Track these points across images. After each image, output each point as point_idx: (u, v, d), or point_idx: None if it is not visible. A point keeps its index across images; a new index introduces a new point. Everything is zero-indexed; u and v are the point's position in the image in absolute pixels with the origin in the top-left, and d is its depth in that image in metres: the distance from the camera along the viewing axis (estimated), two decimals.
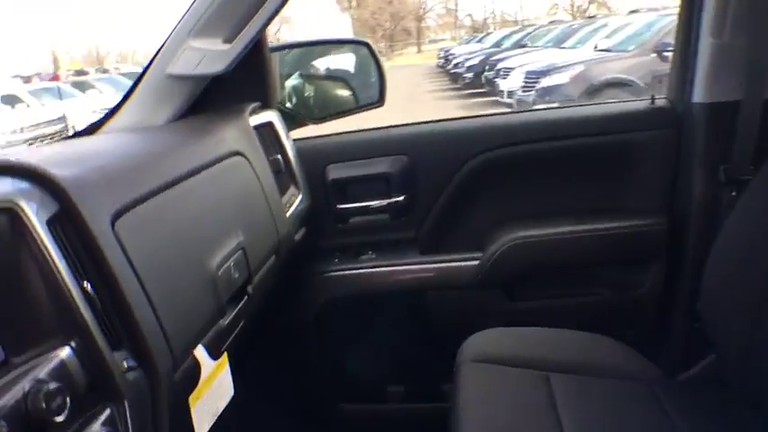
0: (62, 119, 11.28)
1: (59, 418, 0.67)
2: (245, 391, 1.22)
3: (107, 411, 0.77)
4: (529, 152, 1.74)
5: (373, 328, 1.91)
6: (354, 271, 1.81)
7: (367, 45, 1.85)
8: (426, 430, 1.67)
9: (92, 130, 1.45)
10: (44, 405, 0.65)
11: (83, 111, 11.63)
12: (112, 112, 1.46)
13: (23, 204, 0.73)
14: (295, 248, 1.55)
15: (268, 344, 1.79)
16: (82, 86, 16.80)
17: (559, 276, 1.82)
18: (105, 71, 26.76)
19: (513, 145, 1.74)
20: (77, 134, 1.46)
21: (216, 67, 1.37)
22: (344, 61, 2.08)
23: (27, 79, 25.42)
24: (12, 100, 13.79)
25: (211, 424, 1.10)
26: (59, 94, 14.28)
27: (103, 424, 0.76)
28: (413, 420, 1.89)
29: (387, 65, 1.87)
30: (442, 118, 1.87)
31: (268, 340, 1.76)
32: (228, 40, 1.36)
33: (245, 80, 1.56)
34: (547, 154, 1.75)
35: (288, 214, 1.50)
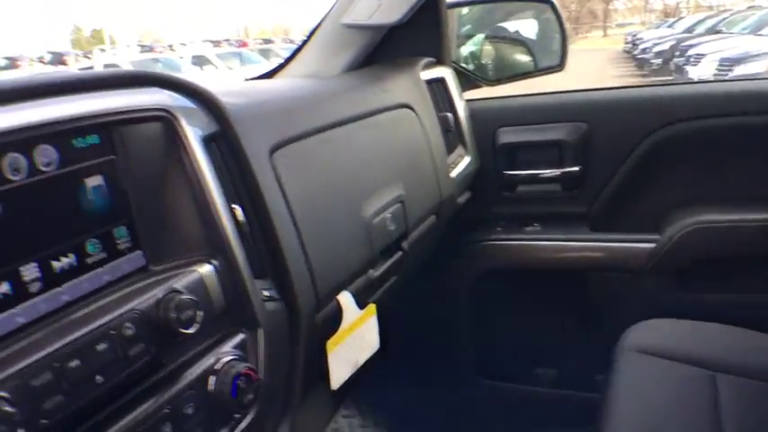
0: None
1: (187, 331, 0.65)
2: (386, 349, 1.19)
3: (240, 336, 0.76)
4: (718, 127, 1.54)
5: (529, 304, 1.80)
6: (517, 242, 1.71)
7: (551, 4, 1.72)
8: (573, 420, 1.54)
9: (267, 76, 1.48)
10: (174, 314, 0.64)
11: None
12: (287, 61, 1.48)
13: (180, 116, 0.73)
14: (457, 211, 1.49)
15: (418, 306, 1.75)
16: (267, 54, 17.85)
17: (742, 268, 1.60)
18: (291, 41, 28.20)
19: (700, 118, 1.54)
20: (251, 79, 1.50)
21: (390, 17, 1.34)
22: (524, 27, 1.97)
23: (217, 43, 27.53)
24: (201, 61, 14.97)
25: (350, 374, 1.08)
26: (245, 60, 15.27)
27: (234, 347, 0.74)
28: (559, 408, 1.77)
29: (570, 48, 1.74)
30: (624, 85, 1.70)
31: (418, 302, 1.72)
32: None
33: (419, 34, 1.52)
34: (738, 130, 1.54)
35: (453, 175, 1.44)
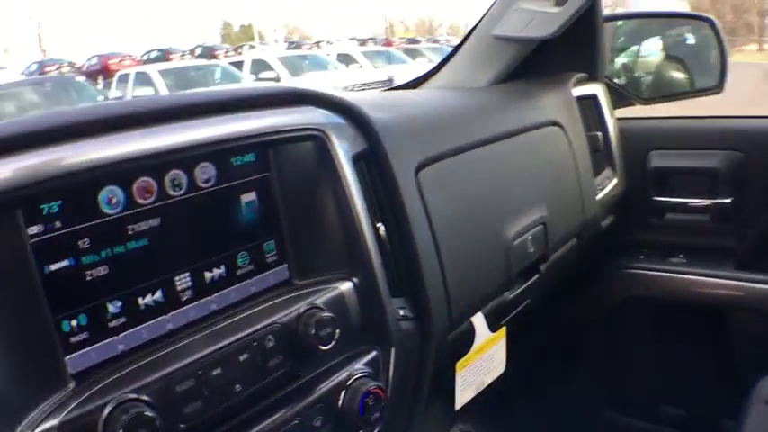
0: (390, 81, 12.10)
1: (325, 347, 0.67)
2: (511, 369, 1.16)
3: (372, 353, 0.77)
4: None
5: (663, 338, 1.69)
6: (660, 273, 1.61)
7: (710, 22, 1.60)
8: None
9: (413, 85, 1.49)
10: (314, 331, 0.66)
11: (410, 76, 12.44)
12: (436, 70, 1.48)
13: (332, 135, 0.75)
14: (599, 235, 1.43)
15: (548, 328, 1.70)
16: (413, 54, 17.96)
17: None
18: (436, 41, 28.23)
19: None
20: (398, 87, 1.51)
21: (544, 30, 1.30)
22: (677, 45, 1.85)
23: (362, 42, 28.03)
24: (346, 59, 15.31)
25: (474, 395, 1.06)
26: (390, 59, 15.46)
27: (366, 364, 0.75)
28: None
29: None
30: None
31: (549, 324, 1.66)
32: (560, 3, 1.28)
33: (572, 49, 1.46)
34: None
35: (598, 197, 1.38)
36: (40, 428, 0.52)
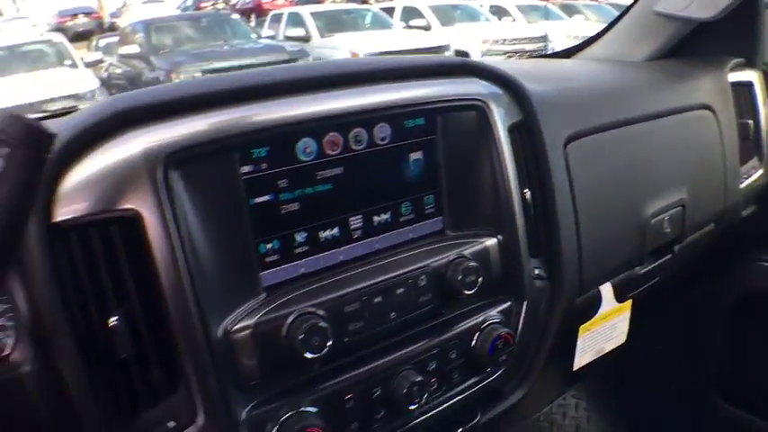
0: (544, 38, 11.70)
1: (467, 292, 0.77)
2: (631, 345, 1.21)
3: (507, 304, 0.86)
4: None
5: None
6: None
7: None
8: None
9: (568, 54, 1.52)
10: (460, 277, 0.76)
11: (564, 34, 11.94)
12: (592, 40, 1.50)
13: (493, 106, 0.83)
14: (738, 224, 1.42)
15: (673, 311, 1.70)
16: (569, 10, 17.13)
17: None
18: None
19: None
20: (553, 55, 1.54)
21: (705, 12, 1.29)
22: None
23: None
24: (500, 11, 14.87)
25: (592, 359, 1.13)
26: (546, 14, 14.90)
27: (500, 312, 0.85)
28: None
29: None
30: None
31: (675, 307, 1.67)
32: None
33: (731, 32, 1.42)
34: None
35: (742, 186, 1.37)
36: (239, 326, 0.65)
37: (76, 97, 6.89)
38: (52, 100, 6.67)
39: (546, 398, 1.70)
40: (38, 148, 0.49)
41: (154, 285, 0.61)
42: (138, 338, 0.62)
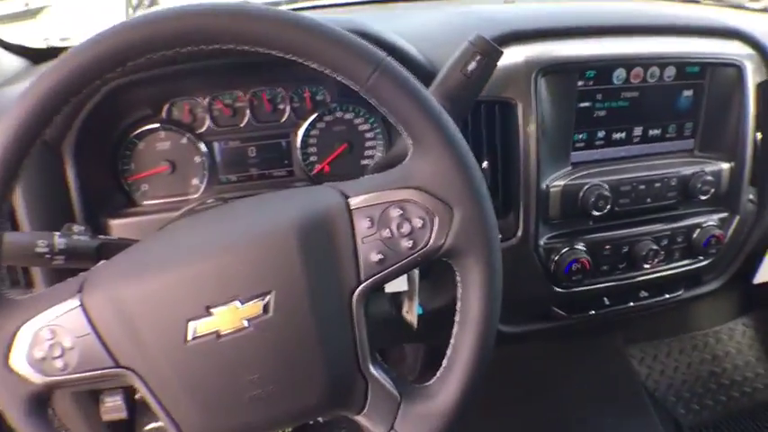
0: None
1: (702, 197, 1.09)
2: None
3: (724, 214, 1.16)
4: None
5: None
6: None
7: None
8: None
9: None
10: (699, 185, 1.08)
11: None
12: None
13: (747, 66, 1.11)
14: None
15: None
16: None
17: None
18: None
19: None
20: None
21: None
22: None
23: None
24: None
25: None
26: None
27: (718, 219, 1.15)
28: None
29: None
30: None
31: None
32: None
33: None
34: None
35: None
36: (553, 184, 1.02)
37: None
38: None
39: (724, 316, 1.97)
40: (494, 58, 0.84)
41: (514, 148, 0.99)
42: (495, 178, 1.00)
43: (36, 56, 1.23)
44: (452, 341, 0.63)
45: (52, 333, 0.59)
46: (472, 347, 0.62)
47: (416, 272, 0.87)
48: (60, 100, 0.57)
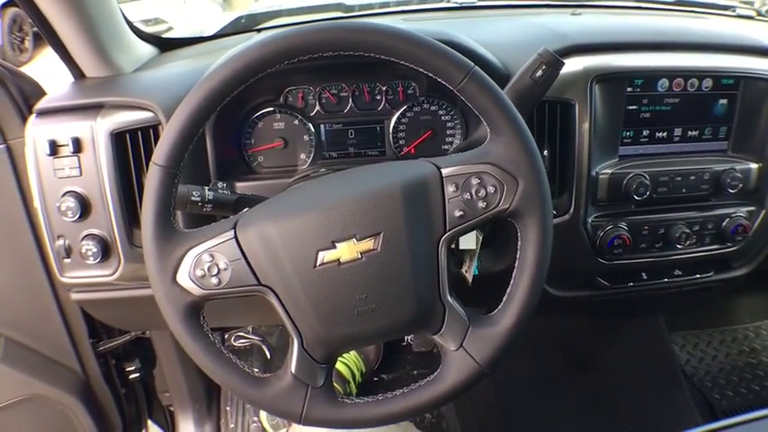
0: None
1: (731, 191, 1.26)
2: None
3: (752, 207, 1.33)
4: None
5: None
6: None
7: None
8: None
9: None
10: (729, 180, 1.25)
11: None
12: None
13: None
14: None
15: None
16: None
17: None
18: None
19: None
20: None
21: None
22: None
23: None
24: None
25: None
26: None
27: (746, 211, 1.32)
28: None
29: None
30: None
31: None
32: None
33: None
34: None
35: None
36: (602, 172, 1.22)
37: None
38: None
39: (765, 311, 2.11)
40: (557, 67, 1.00)
41: (571, 140, 1.19)
42: (553, 165, 1.21)
43: (163, 44, 1.50)
44: (512, 281, 0.84)
45: (211, 257, 0.82)
46: (527, 285, 0.83)
47: (481, 237, 1.09)
48: (233, 87, 0.81)
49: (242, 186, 1.22)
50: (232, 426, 1.90)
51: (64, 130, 1.13)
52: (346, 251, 0.80)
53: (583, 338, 2.06)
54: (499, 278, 0.84)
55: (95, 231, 1.15)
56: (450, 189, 0.82)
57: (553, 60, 0.97)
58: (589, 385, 2.01)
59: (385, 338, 0.92)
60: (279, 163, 1.28)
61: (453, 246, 1.08)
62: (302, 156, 1.28)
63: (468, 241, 1.06)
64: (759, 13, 1.74)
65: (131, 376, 1.69)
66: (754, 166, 1.30)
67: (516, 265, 0.84)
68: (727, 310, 2.24)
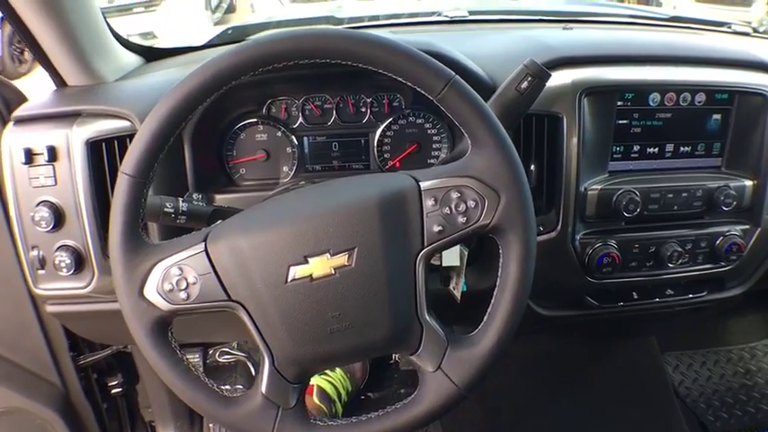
0: None
1: (725, 209, 1.23)
2: None
3: (746, 226, 1.30)
4: None
5: None
6: None
7: None
8: None
9: None
10: (722, 198, 1.23)
11: None
12: None
13: None
14: None
15: None
16: None
17: None
18: None
19: None
20: None
21: None
22: None
23: None
24: None
25: None
26: None
27: (740, 230, 1.29)
28: None
29: None
30: None
31: None
32: None
33: None
34: None
35: None
36: (591, 188, 1.18)
37: None
38: None
39: (760, 332, 2.09)
40: (543, 79, 1.00)
41: (559, 155, 1.16)
42: (540, 180, 1.18)
43: (149, 54, 1.48)
44: (492, 300, 0.81)
45: (180, 270, 0.79)
46: (509, 305, 0.80)
47: (465, 253, 1.06)
48: (204, 96, 0.78)
49: (222, 199, 1.19)
50: None
51: (39, 138, 1.10)
52: (319, 266, 0.77)
53: (573, 358, 2.03)
54: (489, 295, 0.81)
55: (69, 242, 1.12)
56: (428, 203, 0.79)
57: (539, 72, 0.94)
58: (580, 406, 1.97)
59: (360, 358, 0.89)
60: (261, 175, 1.26)
61: (438, 262, 1.07)
62: (285, 168, 1.25)
63: (452, 257, 1.03)
64: (755, 30, 1.72)
65: (113, 391, 1.67)
66: (748, 183, 1.27)
67: (498, 283, 0.81)
68: (722, 330, 2.21)
